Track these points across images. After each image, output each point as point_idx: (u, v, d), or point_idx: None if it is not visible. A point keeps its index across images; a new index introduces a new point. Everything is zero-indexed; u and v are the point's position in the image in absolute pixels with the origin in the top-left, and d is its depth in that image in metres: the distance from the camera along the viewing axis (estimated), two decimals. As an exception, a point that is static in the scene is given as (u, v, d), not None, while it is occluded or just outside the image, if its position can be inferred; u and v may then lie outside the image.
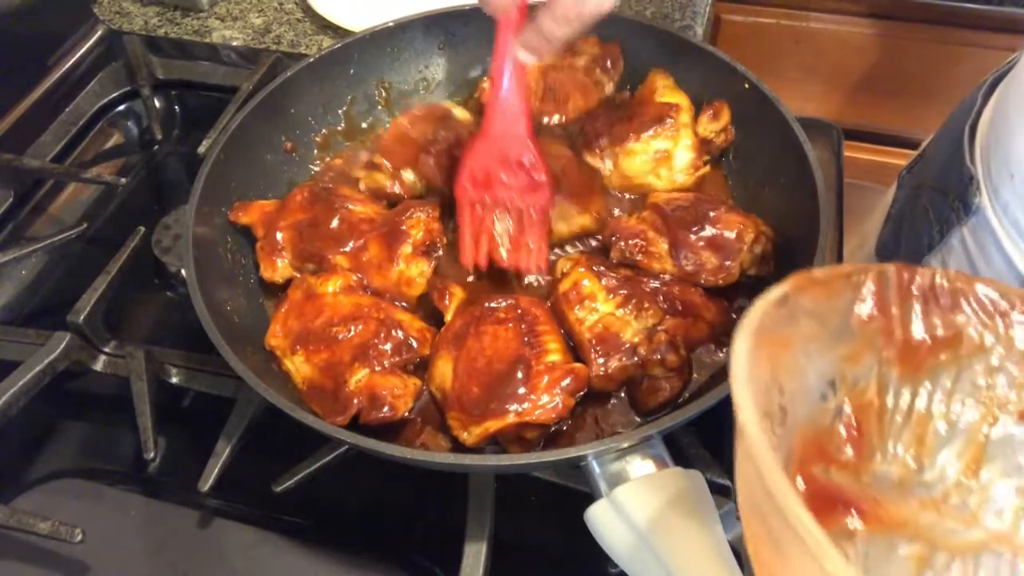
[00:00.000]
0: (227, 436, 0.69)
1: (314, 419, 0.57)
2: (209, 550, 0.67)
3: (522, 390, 0.63)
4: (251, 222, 0.77)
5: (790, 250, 0.72)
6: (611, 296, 0.68)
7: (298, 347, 0.68)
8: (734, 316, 0.73)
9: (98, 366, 0.78)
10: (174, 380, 0.77)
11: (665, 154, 0.80)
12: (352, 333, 0.67)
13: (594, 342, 0.67)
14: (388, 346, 0.67)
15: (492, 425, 0.62)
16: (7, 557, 0.67)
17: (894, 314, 0.44)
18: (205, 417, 0.73)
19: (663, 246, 0.73)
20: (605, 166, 0.81)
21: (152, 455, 0.71)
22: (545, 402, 0.62)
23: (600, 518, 0.55)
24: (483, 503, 0.63)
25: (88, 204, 0.98)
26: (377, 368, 0.66)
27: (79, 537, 0.63)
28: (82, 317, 0.77)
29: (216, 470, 0.67)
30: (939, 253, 0.95)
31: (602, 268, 0.70)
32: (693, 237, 0.72)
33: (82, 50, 1.09)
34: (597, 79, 0.87)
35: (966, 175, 0.89)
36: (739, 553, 0.61)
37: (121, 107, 1.06)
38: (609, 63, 0.88)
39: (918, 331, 0.45)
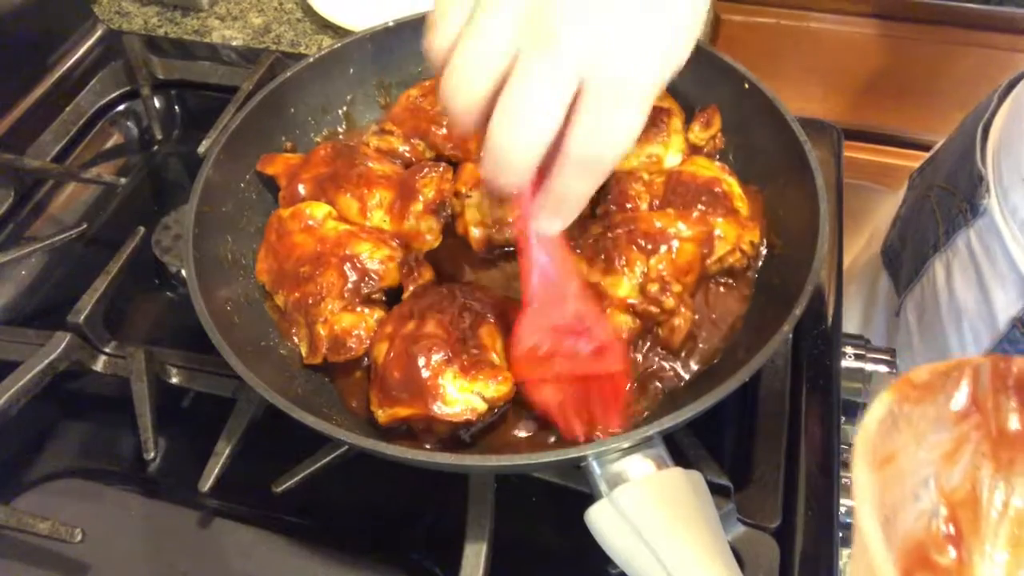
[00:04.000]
0: (227, 436, 0.69)
1: (314, 419, 0.57)
2: (209, 550, 0.67)
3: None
4: (275, 173, 0.80)
5: (790, 251, 0.72)
6: (593, 266, 0.68)
7: (277, 288, 0.73)
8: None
9: (98, 366, 0.78)
10: (174, 380, 0.77)
11: (656, 159, 0.80)
12: (316, 273, 0.71)
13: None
14: (349, 284, 0.71)
15: (401, 411, 0.63)
16: (7, 557, 0.67)
17: (989, 407, 0.42)
18: (205, 417, 0.73)
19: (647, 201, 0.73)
20: None
21: (152, 455, 0.71)
22: (453, 402, 0.62)
23: (600, 518, 0.55)
24: (483, 503, 0.63)
25: (88, 204, 0.98)
26: (338, 308, 0.70)
27: (79, 537, 0.63)
28: (82, 317, 0.77)
29: (216, 470, 0.67)
30: (944, 255, 0.95)
31: (575, 243, 0.71)
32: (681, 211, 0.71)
33: (82, 50, 1.08)
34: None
35: (976, 175, 0.89)
36: (739, 553, 0.62)
37: (121, 107, 1.06)
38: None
39: (1014, 424, 0.43)
